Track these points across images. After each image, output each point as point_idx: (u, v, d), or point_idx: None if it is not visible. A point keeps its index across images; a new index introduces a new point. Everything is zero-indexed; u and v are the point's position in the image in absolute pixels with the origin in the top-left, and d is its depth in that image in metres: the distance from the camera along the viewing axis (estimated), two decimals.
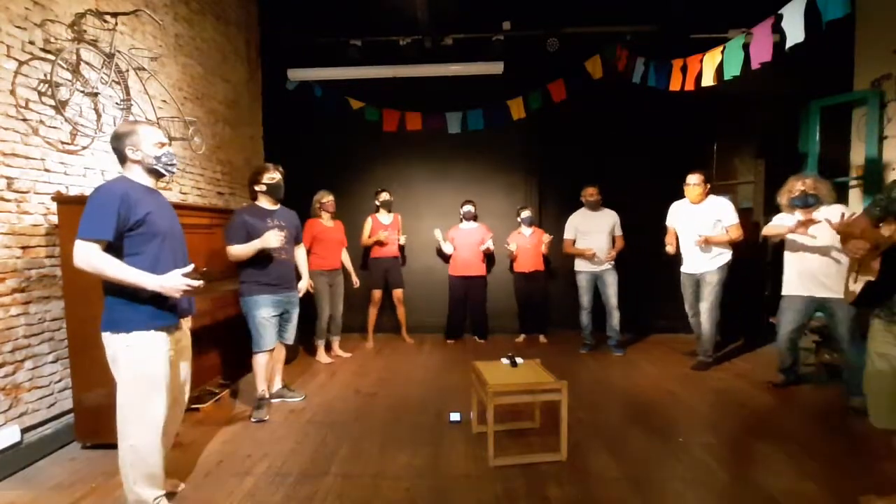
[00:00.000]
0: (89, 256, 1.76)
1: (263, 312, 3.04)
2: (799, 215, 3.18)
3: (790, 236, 3.22)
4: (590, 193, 4.45)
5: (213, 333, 3.32)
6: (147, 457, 1.92)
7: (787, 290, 3.32)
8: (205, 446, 2.65)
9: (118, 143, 1.92)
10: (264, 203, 3.14)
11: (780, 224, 3.28)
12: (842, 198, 4.29)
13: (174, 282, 1.82)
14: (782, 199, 3.27)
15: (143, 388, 1.89)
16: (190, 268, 1.87)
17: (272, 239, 2.93)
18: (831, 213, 2.97)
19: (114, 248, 1.82)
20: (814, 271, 3.16)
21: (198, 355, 3.20)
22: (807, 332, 3.65)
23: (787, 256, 3.33)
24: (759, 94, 4.77)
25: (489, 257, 5.16)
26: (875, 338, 2.01)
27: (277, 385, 3.36)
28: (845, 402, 3.11)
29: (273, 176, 3.11)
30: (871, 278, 2.00)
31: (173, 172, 2.04)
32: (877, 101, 4.14)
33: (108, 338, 1.88)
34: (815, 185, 3.13)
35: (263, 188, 3.10)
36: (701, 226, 3.83)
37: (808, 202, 3.13)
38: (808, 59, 4.00)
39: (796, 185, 3.17)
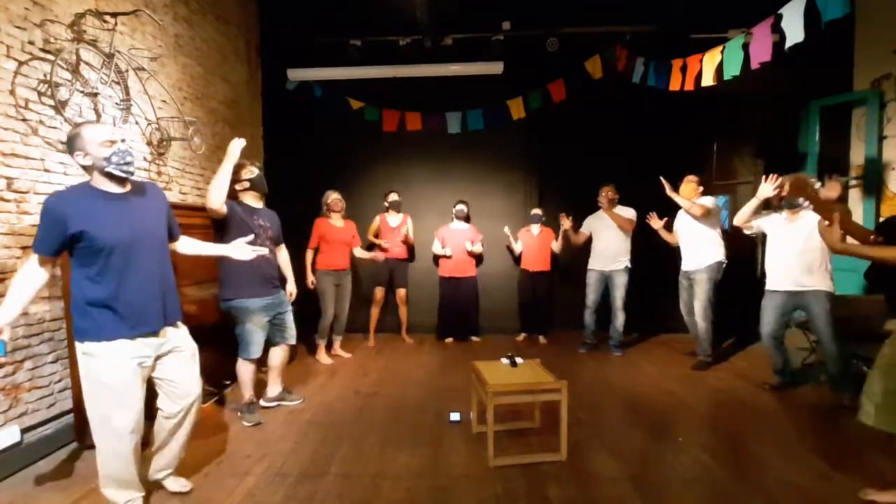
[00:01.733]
0: (25, 264, 1.81)
1: (255, 319, 2.89)
2: (786, 215, 3.31)
3: (770, 233, 3.39)
4: (604, 192, 4.45)
5: (214, 333, 3.31)
6: (113, 462, 1.89)
7: (769, 285, 3.42)
8: (204, 446, 2.65)
9: (70, 152, 1.81)
10: (249, 201, 2.99)
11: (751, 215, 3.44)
12: (842, 198, 4.29)
13: None
14: (773, 199, 3.36)
15: (101, 399, 1.82)
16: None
17: (236, 146, 2.65)
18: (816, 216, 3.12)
19: (73, 255, 1.81)
20: (792, 267, 3.25)
21: (198, 355, 3.20)
22: (794, 326, 3.74)
23: (768, 252, 3.44)
24: (759, 94, 4.76)
25: (478, 257, 5.15)
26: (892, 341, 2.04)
27: (278, 389, 3.27)
28: (839, 401, 3.14)
29: (252, 170, 2.95)
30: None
31: (131, 172, 1.84)
32: (876, 100, 4.14)
33: (76, 344, 1.85)
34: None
35: (246, 185, 2.94)
36: (696, 223, 3.91)
37: (796, 203, 3.25)
38: (808, 59, 4.01)
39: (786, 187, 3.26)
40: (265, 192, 3.06)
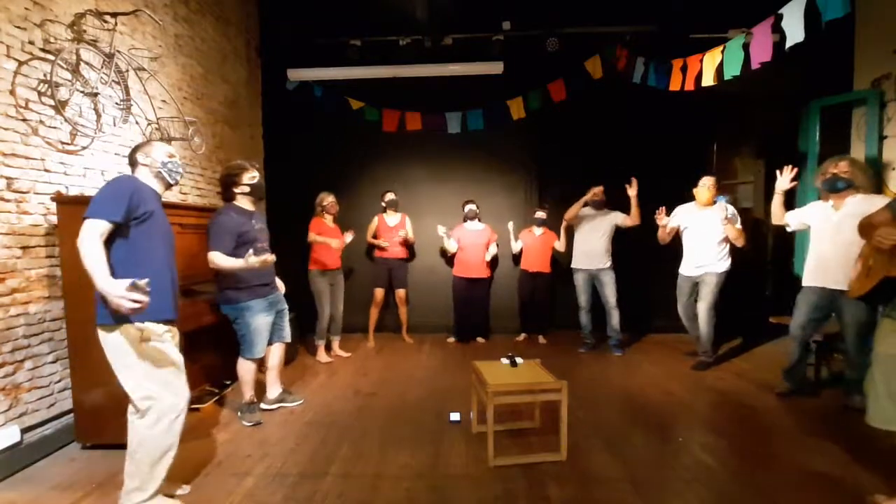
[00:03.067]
0: (88, 234, 1.80)
1: (260, 319, 2.92)
2: (832, 202, 3.07)
3: (814, 225, 3.15)
4: (594, 193, 4.46)
5: (215, 333, 3.32)
6: (156, 454, 1.94)
7: (804, 281, 3.22)
8: (204, 446, 2.65)
9: (133, 155, 2.11)
10: (245, 204, 2.96)
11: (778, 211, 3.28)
12: None
13: (116, 291, 1.73)
14: (816, 181, 3.16)
15: (160, 377, 1.95)
16: (144, 281, 1.75)
17: (255, 262, 2.69)
18: (870, 203, 2.78)
19: (124, 235, 1.92)
20: (830, 261, 3.01)
21: (199, 355, 3.21)
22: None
23: (810, 245, 3.21)
24: (759, 94, 4.76)
25: (493, 259, 5.13)
26: (884, 338, 1.99)
27: (277, 390, 3.26)
28: (844, 402, 3.11)
29: (254, 175, 2.95)
30: (889, 274, 1.98)
31: (177, 181, 2.17)
32: (877, 100, 4.14)
33: (108, 330, 1.89)
34: (848, 169, 2.96)
35: (246, 189, 2.93)
36: (710, 229, 3.83)
37: (836, 186, 2.98)
38: (808, 59, 4.00)
39: (829, 168, 3.03)
40: (261, 198, 3.11)
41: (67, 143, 2.75)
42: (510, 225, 5.05)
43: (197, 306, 3.08)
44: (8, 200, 2.41)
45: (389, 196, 4.86)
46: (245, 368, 3.01)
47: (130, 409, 1.97)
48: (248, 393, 3.04)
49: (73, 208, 2.50)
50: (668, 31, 4.76)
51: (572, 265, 4.56)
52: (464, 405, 3.03)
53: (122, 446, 1.98)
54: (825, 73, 4.53)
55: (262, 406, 3.19)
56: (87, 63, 2.88)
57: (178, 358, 2.03)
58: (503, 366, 2.70)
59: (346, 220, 4.68)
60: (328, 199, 4.34)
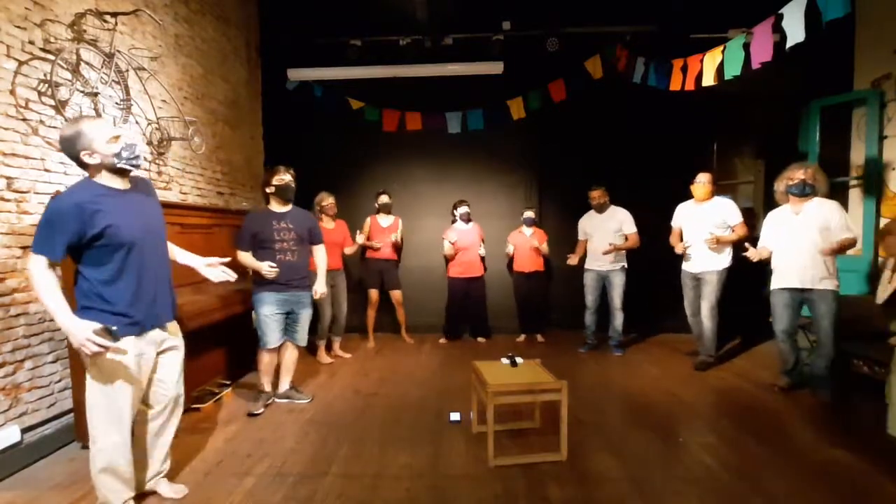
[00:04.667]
0: (33, 270, 1.68)
1: (266, 310, 3.07)
2: (791, 207, 3.27)
3: (771, 231, 3.36)
4: (591, 196, 4.46)
5: (215, 333, 3.32)
6: (115, 457, 1.87)
7: (773, 284, 3.37)
8: (205, 446, 2.65)
9: (70, 150, 1.74)
10: (274, 205, 3.16)
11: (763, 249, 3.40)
12: (842, 198, 4.29)
13: (81, 334, 1.66)
14: (780, 185, 3.33)
15: (107, 391, 1.81)
16: (99, 327, 1.70)
17: (264, 271, 2.99)
18: (825, 207, 3.14)
19: (75, 259, 1.76)
20: (794, 262, 3.20)
21: (199, 355, 3.21)
22: (804, 330, 3.68)
23: (774, 248, 3.38)
24: (759, 94, 4.77)
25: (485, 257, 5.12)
26: None
27: (286, 386, 3.33)
28: (818, 399, 3.21)
29: (282, 178, 3.12)
30: None
31: (139, 165, 1.85)
32: (877, 100, 4.14)
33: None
34: (814, 176, 3.19)
35: (272, 189, 3.12)
36: (707, 225, 3.86)
37: (804, 191, 3.20)
38: (808, 59, 4.00)
39: (797, 174, 3.22)
40: (289, 200, 3.20)
41: None
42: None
43: (198, 305, 3.08)
44: (8, 200, 2.41)
45: (383, 199, 4.86)
46: (260, 358, 3.17)
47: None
48: (261, 382, 3.18)
49: None
50: (668, 31, 4.76)
51: (585, 266, 4.55)
52: (464, 405, 3.03)
53: None
54: (825, 73, 4.54)
55: (275, 399, 3.31)
56: (87, 63, 2.88)
57: (123, 375, 1.81)
58: (503, 366, 2.70)
59: (347, 220, 4.67)
60: (327, 201, 4.34)
